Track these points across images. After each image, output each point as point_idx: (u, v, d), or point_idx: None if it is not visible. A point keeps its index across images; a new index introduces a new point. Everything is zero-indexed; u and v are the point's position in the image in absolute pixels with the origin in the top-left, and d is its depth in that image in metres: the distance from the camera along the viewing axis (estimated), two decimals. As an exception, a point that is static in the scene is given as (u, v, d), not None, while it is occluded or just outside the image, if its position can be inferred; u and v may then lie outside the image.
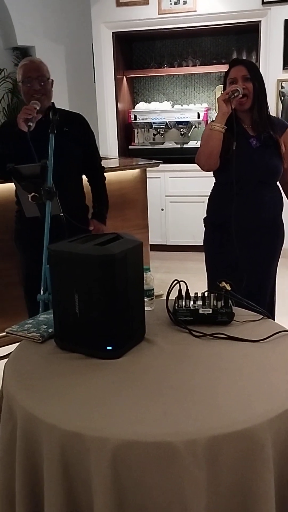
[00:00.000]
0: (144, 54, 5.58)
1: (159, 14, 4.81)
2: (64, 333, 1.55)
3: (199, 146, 2.33)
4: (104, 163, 2.77)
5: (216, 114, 2.35)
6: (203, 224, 2.44)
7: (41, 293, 1.98)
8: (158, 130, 5.40)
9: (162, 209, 5.28)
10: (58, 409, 1.25)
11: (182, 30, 4.94)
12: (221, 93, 2.26)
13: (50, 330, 1.66)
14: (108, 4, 4.91)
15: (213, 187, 2.42)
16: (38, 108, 2.23)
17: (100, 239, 1.55)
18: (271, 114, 2.36)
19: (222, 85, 2.33)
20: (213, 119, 2.30)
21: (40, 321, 1.76)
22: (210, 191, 2.43)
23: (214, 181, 2.42)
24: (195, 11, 4.71)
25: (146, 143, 5.52)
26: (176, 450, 1.12)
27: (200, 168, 2.32)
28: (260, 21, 4.65)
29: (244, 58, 5.06)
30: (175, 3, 4.74)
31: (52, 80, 2.41)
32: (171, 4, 4.76)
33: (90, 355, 1.50)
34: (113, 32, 5.03)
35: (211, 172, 2.35)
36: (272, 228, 2.34)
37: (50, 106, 2.39)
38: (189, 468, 1.12)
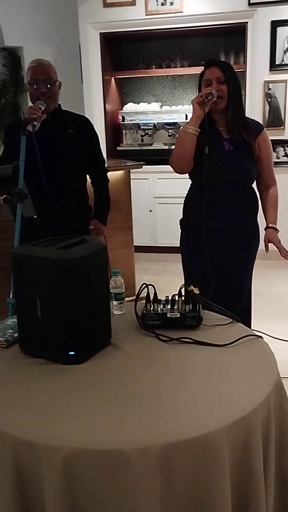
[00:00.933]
0: (132, 55, 5.56)
1: (146, 15, 4.80)
2: (27, 338, 1.53)
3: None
4: None
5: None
6: (179, 226, 2.42)
7: (10, 296, 1.97)
8: (146, 131, 5.39)
9: (151, 211, 5.27)
10: (12, 417, 1.23)
11: (170, 31, 4.93)
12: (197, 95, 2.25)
13: (15, 335, 1.64)
14: (95, 5, 4.90)
15: (189, 189, 2.40)
16: (43, 108, 2.24)
17: (64, 242, 1.53)
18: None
19: (198, 86, 2.31)
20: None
21: (7, 325, 1.73)
22: (186, 194, 2.42)
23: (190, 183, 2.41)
24: (182, 12, 4.70)
25: (135, 144, 5.51)
26: (128, 458, 1.10)
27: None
28: (246, 22, 4.64)
29: (231, 59, 5.07)
30: (162, 4, 4.73)
31: (60, 82, 2.42)
32: (158, 5, 4.75)
33: (53, 361, 1.48)
34: (100, 33, 5.02)
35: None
36: (247, 231, 2.33)
37: (56, 108, 2.41)
38: (142, 476, 1.10)
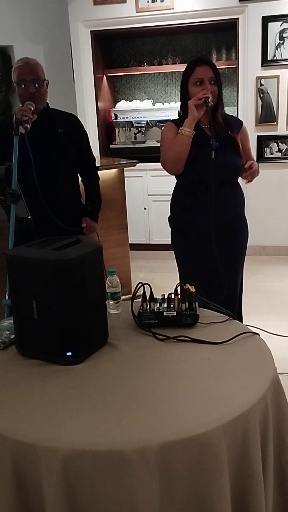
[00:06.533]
0: (123, 53, 5.54)
1: (136, 12, 4.77)
2: (24, 339, 1.53)
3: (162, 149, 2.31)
4: None
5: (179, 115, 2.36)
6: (168, 223, 2.43)
7: (6, 298, 1.96)
8: (139, 129, 5.38)
9: (145, 208, 5.26)
10: (10, 418, 1.22)
11: (161, 28, 4.92)
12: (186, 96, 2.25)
13: (12, 336, 1.64)
14: (85, 2, 4.87)
15: (175, 188, 2.40)
16: (32, 108, 2.23)
17: (59, 243, 1.53)
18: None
19: (182, 82, 2.30)
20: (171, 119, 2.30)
21: (3, 327, 1.73)
22: (172, 191, 2.42)
23: (175, 181, 2.41)
24: (173, 9, 4.69)
25: (128, 142, 5.49)
26: (127, 458, 1.10)
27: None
28: (238, 18, 4.63)
29: (223, 55, 5.06)
30: (153, 1, 4.72)
31: (48, 81, 2.40)
32: (148, 2, 4.73)
33: (50, 362, 1.48)
34: (91, 31, 4.99)
35: None
36: (237, 225, 2.35)
37: (44, 108, 2.39)
38: (141, 476, 1.10)
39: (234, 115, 2.51)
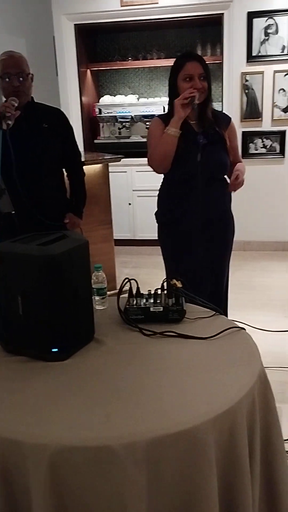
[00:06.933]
0: (108, 47, 5.50)
1: (121, 6, 4.74)
2: (9, 335, 1.51)
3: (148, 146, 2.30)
4: None
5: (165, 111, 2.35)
6: (155, 219, 2.42)
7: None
8: (124, 123, 5.35)
9: (130, 204, 5.25)
10: (-4, 415, 1.21)
11: (145, 22, 4.89)
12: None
13: (-3, 333, 1.61)
14: (69, -5, 4.83)
15: (162, 184, 2.40)
16: (16, 104, 2.19)
17: (44, 238, 1.51)
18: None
19: (171, 77, 2.28)
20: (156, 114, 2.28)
21: (-12, 323, 1.71)
22: (160, 187, 2.41)
23: (163, 177, 2.40)
24: (157, 3, 4.66)
25: (112, 137, 5.47)
26: (115, 453, 1.09)
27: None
28: (223, 13, 4.63)
29: (208, 50, 5.06)
30: (137, -5, 4.69)
31: (32, 75, 2.36)
32: (133, -4, 4.70)
33: (36, 358, 1.46)
34: (75, 24, 4.94)
35: None
36: (224, 221, 2.35)
37: (29, 102, 2.36)
38: (129, 471, 1.10)
39: (222, 111, 2.50)
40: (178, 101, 2.14)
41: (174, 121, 2.16)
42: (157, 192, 2.44)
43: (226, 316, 2.45)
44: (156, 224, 2.45)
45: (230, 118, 2.40)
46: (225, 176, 2.36)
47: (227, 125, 2.32)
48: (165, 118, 2.27)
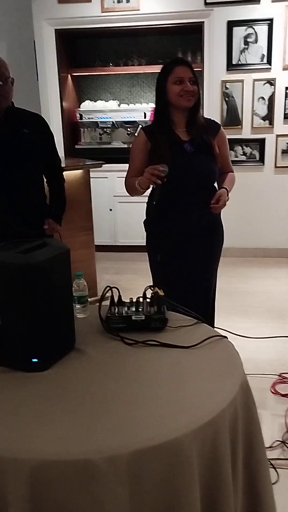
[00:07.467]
0: (89, 53, 5.49)
1: (102, 12, 4.75)
2: (-13, 345, 1.47)
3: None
4: None
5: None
6: (144, 228, 2.42)
7: None
8: (105, 129, 5.34)
9: (111, 209, 5.24)
10: (-27, 429, 1.17)
11: (126, 29, 4.90)
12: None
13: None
14: (49, 0, 4.80)
15: (151, 192, 2.38)
16: None
17: (25, 246, 1.48)
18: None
19: (159, 81, 2.27)
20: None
21: None
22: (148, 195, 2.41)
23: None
24: (139, 10, 4.68)
25: (93, 143, 5.45)
26: (96, 467, 1.07)
27: None
28: (203, 22, 4.67)
29: (189, 58, 5.08)
30: (118, 2, 4.70)
31: (13, 79, 2.32)
32: (114, 2, 4.71)
33: (16, 369, 1.43)
34: (55, 29, 4.93)
35: None
36: (212, 229, 2.35)
37: (9, 106, 2.32)
38: (111, 485, 1.08)
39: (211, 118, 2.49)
40: (149, 171, 2.10)
41: (143, 183, 2.16)
42: (138, 198, 2.44)
43: (213, 323, 2.45)
44: (138, 230, 2.44)
45: (219, 126, 2.39)
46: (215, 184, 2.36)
47: (216, 132, 2.31)
48: (149, 130, 2.27)
